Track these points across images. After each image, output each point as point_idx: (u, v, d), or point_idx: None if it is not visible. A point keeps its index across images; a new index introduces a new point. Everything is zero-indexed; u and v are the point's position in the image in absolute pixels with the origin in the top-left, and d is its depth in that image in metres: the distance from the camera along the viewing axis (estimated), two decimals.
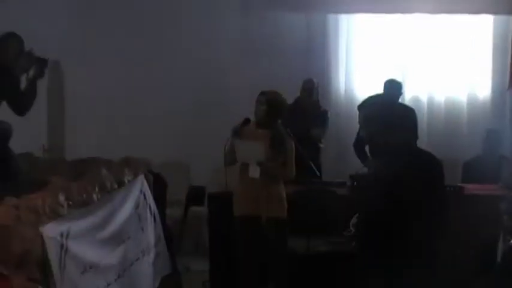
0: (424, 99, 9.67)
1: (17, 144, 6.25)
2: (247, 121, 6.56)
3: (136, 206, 6.33)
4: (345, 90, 9.82)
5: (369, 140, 7.24)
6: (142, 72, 9.72)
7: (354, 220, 6.25)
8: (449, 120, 9.68)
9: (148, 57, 9.78)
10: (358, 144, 8.32)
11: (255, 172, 6.38)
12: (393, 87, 8.27)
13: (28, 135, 6.74)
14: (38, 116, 7.61)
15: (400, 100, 8.57)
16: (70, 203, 5.16)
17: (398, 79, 8.67)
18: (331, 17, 9.77)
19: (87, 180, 5.73)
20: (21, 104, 6.19)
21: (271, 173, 6.41)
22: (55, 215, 4.90)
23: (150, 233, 6.58)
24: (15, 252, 4.35)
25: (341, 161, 8.86)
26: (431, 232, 4.86)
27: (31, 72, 6.13)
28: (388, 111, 7.29)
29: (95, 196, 5.54)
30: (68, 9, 9.53)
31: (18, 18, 8.22)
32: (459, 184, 7.64)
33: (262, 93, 6.55)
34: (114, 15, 9.79)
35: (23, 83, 6.15)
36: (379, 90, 8.52)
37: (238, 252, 6.62)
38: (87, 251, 5.20)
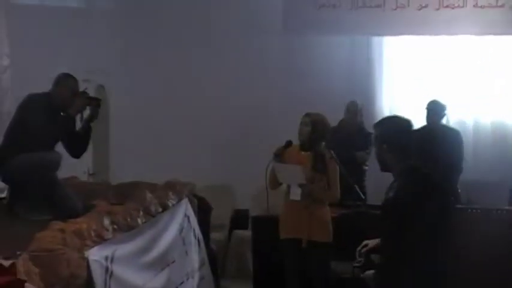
0: (470, 122, 9.54)
1: (62, 168, 6.30)
2: (289, 143, 6.53)
3: (181, 230, 6.34)
4: (390, 113, 9.74)
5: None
6: (186, 95, 9.77)
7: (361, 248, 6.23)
8: (496, 143, 9.53)
9: (192, 80, 9.84)
10: None
11: (296, 194, 6.38)
12: (436, 109, 8.19)
13: (73, 159, 6.78)
14: None
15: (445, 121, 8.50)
16: (115, 226, 5.18)
17: (443, 101, 8.58)
18: (375, 39, 9.73)
19: (132, 204, 5.75)
20: (77, 146, 6.28)
21: (314, 195, 6.37)
22: (100, 239, 4.92)
23: (195, 256, 6.58)
24: (61, 276, 4.37)
25: (386, 184, 8.76)
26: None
27: (86, 113, 6.20)
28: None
29: (139, 220, 5.55)
30: (111, 32, 9.63)
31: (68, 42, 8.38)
32: (507, 207, 7.52)
33: (307, 115, 6.54)
34: (157, 37, 9.89)
35: (78, 124, 6.23)
36: (423, 111, 8.46)
37: (282, 275, 6.58)
38: (131, 275, 5.21)
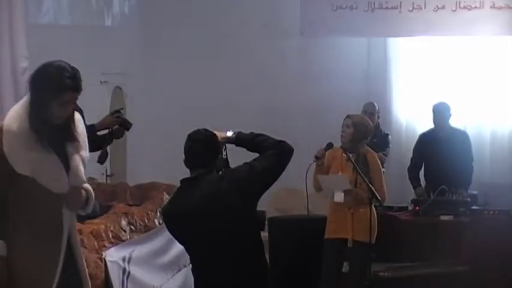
0: (488, 124, 9.49)
1: None
2: (330, 145, 6.51)
3: None
4: (405, 114, 9.74)
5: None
6: (202, 95, 9.79)
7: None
8: None
9: (209, 82, 9.85)
10: (412, 170, 8.28)
11: (339, 197, 6.37)
12: (442, 110, 8.17)
13: (90, 160, 6.81)
14: None
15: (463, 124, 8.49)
16: (132, 227, 5.22)
17: (462, 104, 8.58)
18: (391, 40, 9.72)
19: (149, 205, 5.79)
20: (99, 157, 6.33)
21: (359, 198, 6.36)
22: (117, 240, 4.95)
23: None
24: None
25: (403, 185, 8.75)
26: None
27: (114, 131, 6.21)
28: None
29: (156, 221, 5.58)
30: (129, 34, 9.67)
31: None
32: None
33: (348, 117, 6.49)
34: (175, 39, 9.91)
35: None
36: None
37: (300, 276, 6.58)
38: (148, 276, 5.24)
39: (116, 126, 6.18)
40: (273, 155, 4.29)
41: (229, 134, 4.46)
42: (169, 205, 4.37)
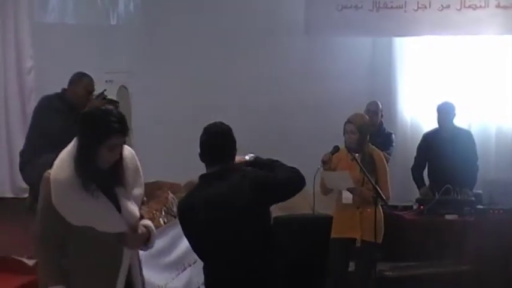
0: (493, 123, 9.47)
1: None
2: (336, 149, 6.50)
3: None
4: (410, 113, 9.73)
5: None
6: (208, 94, 9.79)
7: None
8: None
9: (213, 80, 9.85)
10: (416, 169, 8.28)
11: (348, 199, 6.41)
12: (447, 110, 8.17)
13: None
14: None
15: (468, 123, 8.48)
16: None
17: (467, 103, 8.56)
18: (396, 40, 9.72)
19: (154, 204, 5.79)
20: None
21: (364, 197, 6.36)
22: None
23: None
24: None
25: (408, 184, 8.75)
26: None
27: None
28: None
29: (161, 220, 5.59)
30: (134, 33, 9.68)
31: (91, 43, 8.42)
32: None
33: (350, 122, 6.46)
34: (180, 38, 9.91)
35: None
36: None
37: (304, 276, 6.59)
38: (153, 275, 5.25)
39: None
40: (292, 178, 4.32)
41: (247, 157, 4.50)
42: (190, 198, 4.33)
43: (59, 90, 6.43)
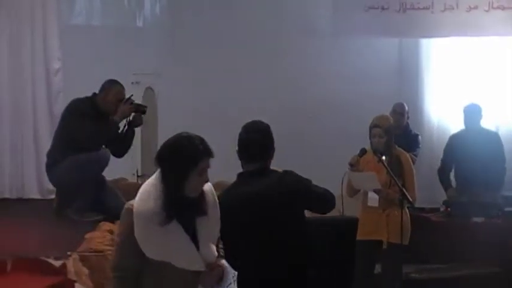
0: None
1: (111, 170, 6.38)
2: (363, 152, 6.48)
3: None
4: (437, 114, 9.68)
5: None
6: (234, 95, 9.80)
7: None
8: None
9: (241, 83, 9.86)
10: (443, 171, 8.24)
11: (373, 201, 6.38)
12: (474, 111, 8.12)
13: (122, 160, 6.85)
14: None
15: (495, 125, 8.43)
16: None
17: (494, 104, 8.51)
18: (423, 41, 9.67)
19: None
20: (119, 148, 6.36)
21: (390, 199, 6.34)
22: None
23: None
24: (110, 276, 4.43)
25: (434, 186, 8.71)
26: None
27: (131, 119, 6.27)
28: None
29: None
30: (160, 35, 9.72)
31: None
32: None
33: (377, 126, 6.41)
34: (206, 40, 9.92)
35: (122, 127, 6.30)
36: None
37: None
38: None
39: (133, 114, 6.23)
40: (326, 193, 4.37)
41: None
42: (226, 195, 4.29)
43: (85, 91, 6.48)
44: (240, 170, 4.40)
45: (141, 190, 3.69)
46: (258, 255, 4.19)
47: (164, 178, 3.64)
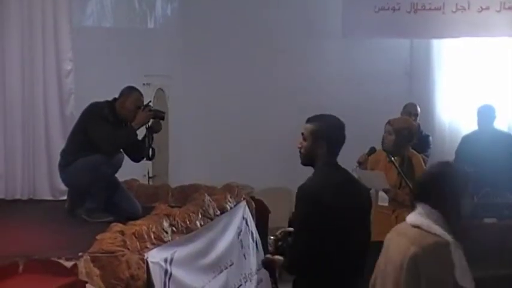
0: None
1: (122, 171, 6.39)
2: (372, 150, 6.48)
3: (239, 233, 6.37)
4: (448, 115, 9.66)
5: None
6: (244, 97, 9.82)
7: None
8: None
9: (250, 83, 9.88)
10: None
11: (383, 200, 6.36)
12: (487, 112, 8.09)
13: (133, 162, 6.85)
14: None
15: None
16: (174, 229, 5.24)
17: (507, 105, 8.48)
18: (434, 41, 9.65)
19: (191, 207, 5.81)
20: (138, 154, 6.37)
21: (399, 199, 6.33)
22: (159, 241, 4.98)
23: (252, 259, 6.60)
24: (121, 277, 4.44)
25: None
26: None
27: (150, 125, 6.27)
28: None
29: (198, 222, 5.61)
30: (171, 36, 9.74)
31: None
32: None
33: (389, 123, 6.44)
34: (216, 42, 9.94)
35: (141, 133, 6.30)
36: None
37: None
38: (190, 277, 5.26)
39: (151, 120, 6.24)
40: None
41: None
42: (317, 184, 4.53)
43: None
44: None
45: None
46: (346, 244, 4.59)
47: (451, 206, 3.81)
